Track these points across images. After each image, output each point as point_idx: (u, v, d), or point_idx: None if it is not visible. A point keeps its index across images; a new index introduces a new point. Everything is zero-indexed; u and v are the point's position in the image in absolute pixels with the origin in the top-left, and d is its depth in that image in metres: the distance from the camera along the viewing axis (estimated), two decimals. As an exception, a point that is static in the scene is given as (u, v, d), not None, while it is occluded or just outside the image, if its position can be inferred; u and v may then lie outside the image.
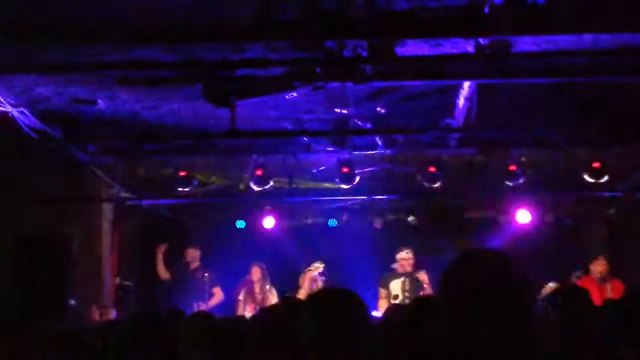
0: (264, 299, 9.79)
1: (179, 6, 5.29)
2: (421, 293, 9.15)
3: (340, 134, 8.39)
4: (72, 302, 8.48)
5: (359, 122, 7.88)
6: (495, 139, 8.52)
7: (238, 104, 6.59)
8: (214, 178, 10.31)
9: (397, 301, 9.04)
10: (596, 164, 8.52)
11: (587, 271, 9.53)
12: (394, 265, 9.74)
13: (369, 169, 9.15)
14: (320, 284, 9.47)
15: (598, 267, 9.26)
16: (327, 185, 9.85)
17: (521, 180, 8.83)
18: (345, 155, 8.73)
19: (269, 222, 11.14)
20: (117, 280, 10.37)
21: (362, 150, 8.73)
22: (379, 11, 5.33)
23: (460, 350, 1.78)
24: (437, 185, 8.92)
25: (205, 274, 9.90)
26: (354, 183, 8.92)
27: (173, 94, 7.19)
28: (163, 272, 10.27)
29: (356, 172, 8.83)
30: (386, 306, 8.97)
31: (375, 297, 9.57)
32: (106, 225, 10.22)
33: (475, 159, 9.09)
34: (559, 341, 3.10)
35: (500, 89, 6.76)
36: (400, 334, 3.11)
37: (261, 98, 6.63)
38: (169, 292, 9.98)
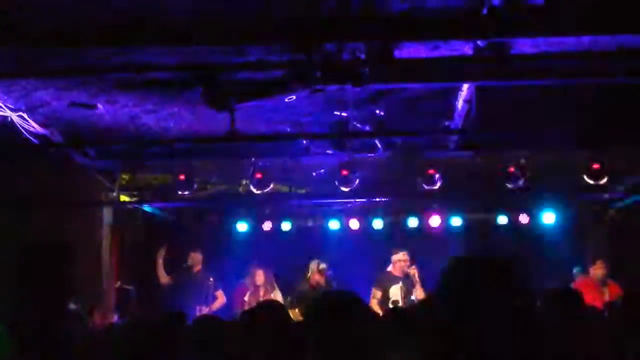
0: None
1: (179, 9, 5.30)
2: (413, 290, 9.29)
3: (339, 136, 8.39)
4: (73, 306, 8.47)
5: (358, 125, 7.88)
6: (495, 141, 8.52)
7: (238, 107, 6.59)
8: (213, 181, 10.31)
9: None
10: (596, 165, 8.53)
11: (586, 272, 9.65)
12: (389, 268, 9.76)
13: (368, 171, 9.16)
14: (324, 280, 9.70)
15: (597, 270, 9.43)
16: (326, 187, 9.85)
17: (520, 183, 8.83)
18: (345, 158, 8.73)
19: (268, 225, 11.16)
20: (118, 284, 10.37)
21: (362, 152, 8.73)
22: (377, 14, 5.34)
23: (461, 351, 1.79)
24: (436, 187, 8.94)
25: (211, 279, 9.90)
26: (354, 185, 8.93)
27: (173, 97, 7.19)
28: (163, 277, 10.26)
29: (356, 174, 8.84)
30: (377, 307, 9.06)
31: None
32: (106, 229, 10.22)
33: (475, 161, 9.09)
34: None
35: (499, 90, 6.77)
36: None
37: (260, 101, 6.64)
38: (170, 296, 9.97)
